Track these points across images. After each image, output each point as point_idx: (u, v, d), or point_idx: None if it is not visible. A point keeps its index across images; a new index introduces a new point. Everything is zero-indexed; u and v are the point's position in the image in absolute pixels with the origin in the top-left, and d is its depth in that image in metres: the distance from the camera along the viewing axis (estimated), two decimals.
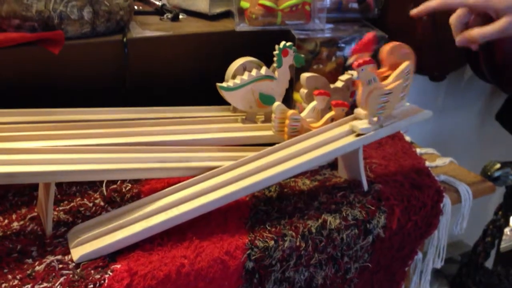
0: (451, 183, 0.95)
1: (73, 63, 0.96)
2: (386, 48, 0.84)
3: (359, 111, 0.84)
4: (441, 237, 0.92)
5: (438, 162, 1.02)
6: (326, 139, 0.84)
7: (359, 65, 0.78)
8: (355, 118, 0.85)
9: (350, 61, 0.81)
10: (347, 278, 0.83)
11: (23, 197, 0.81)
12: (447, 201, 0.89)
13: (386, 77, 0.84)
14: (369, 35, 0.81)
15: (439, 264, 0.95)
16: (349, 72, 0.97)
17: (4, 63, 0.92)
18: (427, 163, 0.97)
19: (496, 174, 1.24)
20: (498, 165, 1.26)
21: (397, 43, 0.85)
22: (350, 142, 0.82)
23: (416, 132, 1.27)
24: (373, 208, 0.82)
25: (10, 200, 0.81)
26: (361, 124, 0.83)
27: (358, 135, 0.82)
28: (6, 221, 0.76)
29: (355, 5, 1.19)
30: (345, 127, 0.85)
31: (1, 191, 0.82)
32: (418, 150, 1.02)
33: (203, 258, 0.69)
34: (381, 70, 0.85)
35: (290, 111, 0.87)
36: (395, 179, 0.89)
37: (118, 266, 0.66)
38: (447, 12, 1.19)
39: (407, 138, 1.06)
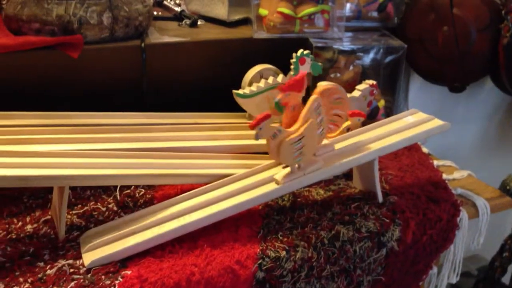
0: (469, 197, 0.93)
1: (92, 68, 0.97)
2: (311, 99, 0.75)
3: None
4: (457, 252, 0.90)
5: (455, 175, 1.00)
6: (342, 148, 0.83)
7: (255, 126, 0.70)
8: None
9: (276, 99, 0.73)
10: None
11: (37, 199, 0.82)
12: (464, 215, 0.88)
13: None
14: (302, 74, 0.73)
15: (454, 279, 0.93)
16: (367, 81, 0.96)
17: (24, 66, 0.93)
18: (444, 176, 0.96)
19: None
20: None
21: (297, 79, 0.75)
22: (367, 153, 0.82)
23: (434, 143, 1.25)
24: (387, 220, 0.80)
25: (25, 202, 0.81)
26: (281, 175, 0.76)
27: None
28: (20, 223, 0.76)
29: (374, 14, 1.18)
30: (362, 137, 0.85)
31: (16, 193, 0.83)
32: (435, 162, 1.00)
33: (213, 267, 0.68)
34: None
35: None
36: (411, 191, 0.88)
37: (129, 272, 0.66)
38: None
39: (425, 150, 1.05)
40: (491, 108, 1.48)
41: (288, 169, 0.77)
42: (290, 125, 0.76)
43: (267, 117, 0.70)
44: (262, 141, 0.92)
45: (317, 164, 0.78)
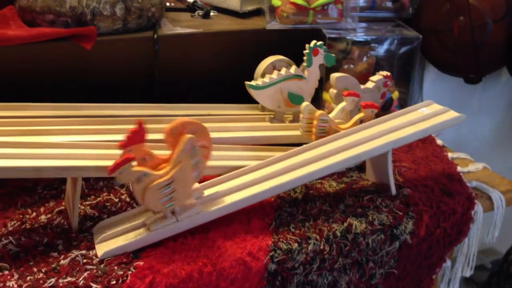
0: (484, 190, 0.92)
1: (105, 59, 0.97)
2: (166, 131, 0.68)
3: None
4: (471, 245, 0.90)
5: (470, 168, 0.99)
6: (355, 141, 0.82)
7: (114, 169, 0.63)
8: None
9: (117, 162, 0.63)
10: (372, 284, 0.81)
11: (52, 190, 0.83)
12: (478, 208, 0.87)
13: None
14: (137, 123, 0.65)
15: (468, 273, 0.92)
16: (381, 72, 0.96)
17: (37, 57, 0.93)
18: (459, 168, 0.95)
19: None
20: None
21: (180, 121, 0.68)
22: (381, 145, 0.81)
23: (449, 135, 1.23)
24: (400, 213, 0.80)
25: (39, 193, 0.82)
26: (152, 219, 0.70)
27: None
28: (34, 214, 0.77)
29: (389, 4, 1.17)
30: (376, 129, 0.84)
31: (31, 183, 0.83)
32: (450, 155, 0.99)
33: (225, 259, 0.69)
34: (166, 156, 0.69)
35: (318, 112, 0.86)
36: (424, 184, 0.87)
37: (141, 263, 0.66)
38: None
39: (439, 142, 1.04)
40: (507, 100, 1.46)
41: (160, 214, 0.70)
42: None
43: (127, 160, 0.64)
44: (275, 133, 0.93)
45: (193, 209, 0.71)
